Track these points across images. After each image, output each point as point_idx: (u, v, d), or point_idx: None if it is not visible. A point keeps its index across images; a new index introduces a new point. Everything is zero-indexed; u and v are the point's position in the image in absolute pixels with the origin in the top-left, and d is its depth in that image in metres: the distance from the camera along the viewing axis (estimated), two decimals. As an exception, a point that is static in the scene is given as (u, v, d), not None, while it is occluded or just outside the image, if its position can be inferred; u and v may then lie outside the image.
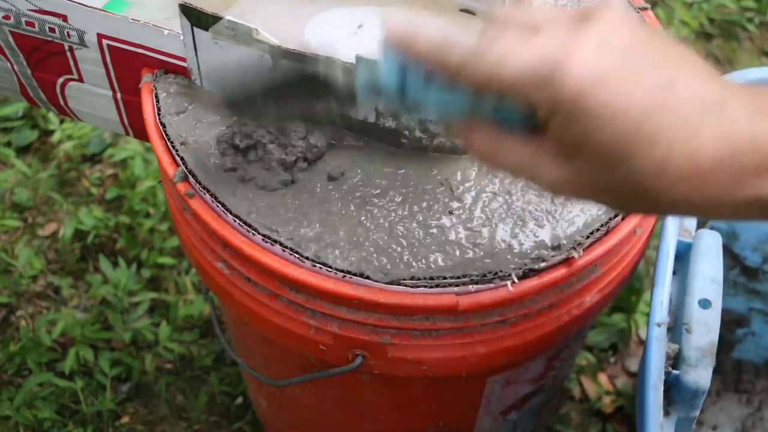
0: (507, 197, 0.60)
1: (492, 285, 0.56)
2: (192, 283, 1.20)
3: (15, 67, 0.73)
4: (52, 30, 0.67)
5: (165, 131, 0.62)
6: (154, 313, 1.18)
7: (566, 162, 0.41)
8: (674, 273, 0.69)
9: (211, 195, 0.59)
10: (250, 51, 0.60)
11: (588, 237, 0.58)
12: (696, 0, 1.62)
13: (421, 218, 0.58)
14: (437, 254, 0.57)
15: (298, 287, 0.57)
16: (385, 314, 0.57)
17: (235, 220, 0.58)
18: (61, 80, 0.72)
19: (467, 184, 0.61)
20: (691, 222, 0.73)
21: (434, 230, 0.58)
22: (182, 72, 0.66)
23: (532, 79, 0.39)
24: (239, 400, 1.11)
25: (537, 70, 0.39)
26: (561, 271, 0.57)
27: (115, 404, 1.09)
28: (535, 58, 0.39)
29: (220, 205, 0.58)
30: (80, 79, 0.72)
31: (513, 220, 0.59)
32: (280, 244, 0.56)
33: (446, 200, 0.60)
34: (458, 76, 0.42)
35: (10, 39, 0.70)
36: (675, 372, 0.63)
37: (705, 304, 0.65)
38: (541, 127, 0.41)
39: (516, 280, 0.56)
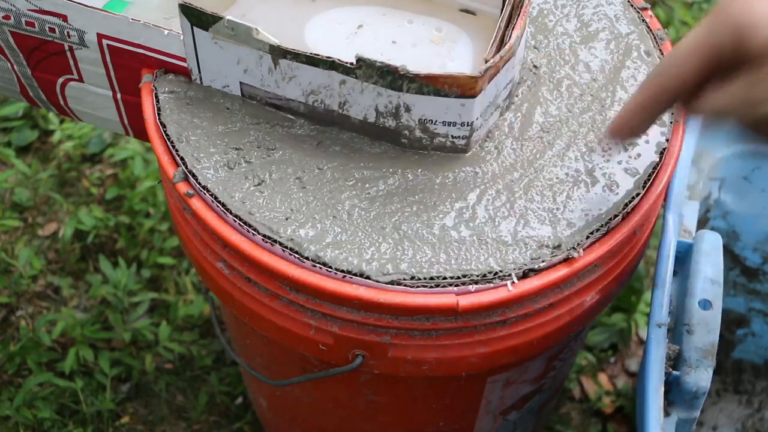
0: (509, 195, 0.60)
1: (492, 285, 0.56)
2: (192, 283, 1.20)
3: (15, 67, 0.73)
4: (52, 30, 0.67)
5: (165, 131, 0.62)
6: (154, 313, 1.18)
7: None
8: (675, 274, 0.69)
9: (211, 195, 0.59)
10: (250, 51, 0.60)
11: (588, 237, 0.58)
12: (696, 0, 1.62)
13: (422, 218, 0.58)
14: (438, 254, 0.57)
15: (298, 287, 0.57)
16: (385, 314, 0.57)
17: (235, 220, 0.58)
18: (61, 80, 0.72)
19: (469, 183, 0.61)
20: (691, 222, 0.73)
21: (435, 230, 0.58)
22: (182, 72, 0.66)
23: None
24: (239, 400, 1.11)
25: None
26: (561, 271, 0.57)
27: (115, 404, 1.09)
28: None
29: (220, 205, 0.58)
30: (80, 79, 0.72)
31: (515, 218, 0.59)
32: (280, 244, 0.56)
33: (448, 199, 0.60)
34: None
35: (10, 39, 0.70)
36: (675, 373, 0.63)
37: (705, 305, 0.65)
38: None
39: (516, 280, 0.56)
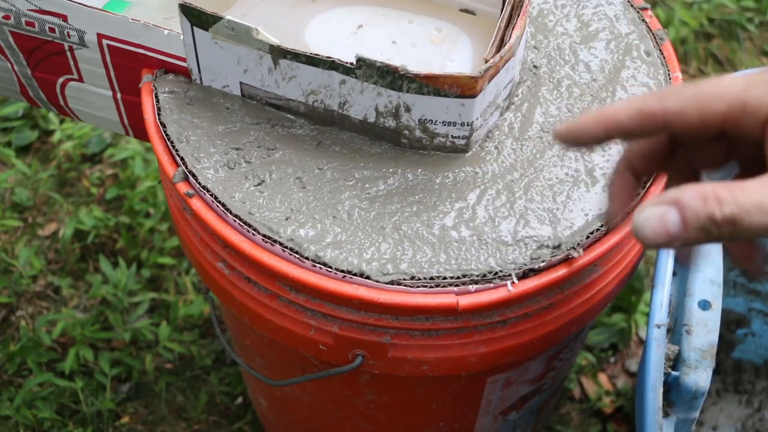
0: (509, 195, 0.60)
1: (492, 285, 0.56)
2: (192, 283, 1.20)
3: (15, 67, 0.73)
4: (52, 30, 0.67)
5: (165, 131, 0.62)
6: (154, 313, 1.18)
7: None
8: (674, 274, 0.69)
9: (211, 195, 0.59)
10: (250, 51, 0.60)
11: (588, 237, 0.58)
12: (696, 0, 1.62)
13: (422, 218, 0.58)
14: (438, 254, 0.57)
15: (298, 287, 0.57)
16: (385, 314, 0.57)
17: (235, 220, 0.58)
18: (61, 80, 0.72)
19: (469, 183, 0.61)
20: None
21: (435, 230, 0.58)
22: (182, 72, 0.66)
23: None
24: (239, 400, 1.11)
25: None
26: (561, 271, 0.57)
27: (115, 404, 1.09)
28: None
29: (220, 205, 0.58)
30: (80, 79, 0.72)
31: (515, 218, 0.59)
32: (280, 244, 0.56)
33: (448, 199, 0.60)
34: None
35: (10, 39, 0.70)
36: (674, 373, 0.63)
37: (705, 305, 0.65)
38: None
39: (516, 280, 0.56)
